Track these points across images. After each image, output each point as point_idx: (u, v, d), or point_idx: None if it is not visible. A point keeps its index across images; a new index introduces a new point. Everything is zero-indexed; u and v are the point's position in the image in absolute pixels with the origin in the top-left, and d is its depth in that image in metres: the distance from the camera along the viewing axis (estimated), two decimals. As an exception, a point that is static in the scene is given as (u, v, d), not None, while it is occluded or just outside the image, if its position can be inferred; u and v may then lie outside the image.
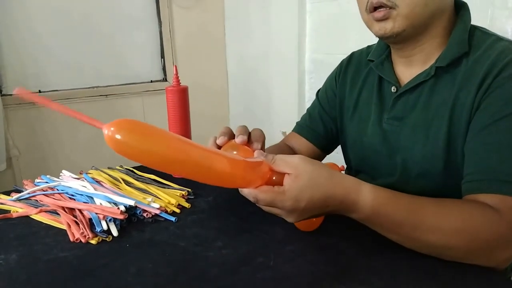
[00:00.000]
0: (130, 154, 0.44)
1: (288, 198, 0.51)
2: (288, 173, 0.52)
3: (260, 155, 0.55)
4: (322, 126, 0.87)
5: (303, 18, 1.79)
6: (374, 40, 0.75)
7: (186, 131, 0.89)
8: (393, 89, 0.71)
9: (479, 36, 0.65)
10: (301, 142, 0.88)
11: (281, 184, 0.52)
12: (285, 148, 0.87)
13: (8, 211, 0.73)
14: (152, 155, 0.45)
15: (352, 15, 1.58)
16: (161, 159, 0.45)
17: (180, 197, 0.76)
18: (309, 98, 1.86)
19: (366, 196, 0.54)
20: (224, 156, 0.51)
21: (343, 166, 0.73)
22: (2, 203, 0.75)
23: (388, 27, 0.63)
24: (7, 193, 0.79)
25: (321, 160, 0.90)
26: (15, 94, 0.41)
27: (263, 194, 0.51)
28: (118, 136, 0.43)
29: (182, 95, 0.86)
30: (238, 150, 0.60)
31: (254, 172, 0.52)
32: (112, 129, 0.43)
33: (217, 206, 0.74)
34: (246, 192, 0.52)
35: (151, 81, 2.17)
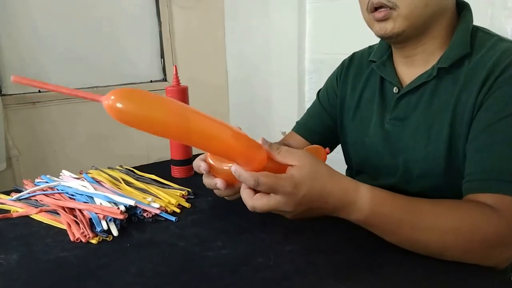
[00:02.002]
0: (130, 121, 0.43)
1: (289, 184, 0.50)
2: (291, 165, 0.52)
3: (265, 143, 0.54)
4: (321, 126, 0.87)
5: (303, 18, 1.79)
6: (374, 40, 0.75)
7: (186, 131, 0.89)
8: (395, 89, 0.71)
9: (481, 37, 0.65)
10: (299, 141, 0.88)
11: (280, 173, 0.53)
12: None
13: (8, 211, 0.73)
14: (152, 121, 0.44)
15: (352, 15, 1.58)
16: (162, 125, 0.45)
17: (180, 197, 0.76)
18: (309, 98, 1.86)
19: (364, 196, 0.54)
20: (228, 127, 0.50)
21: (328, 149, 0.71)
22: (2, 203, 0.75)
23: (388, 27, 0.63)
24: (7, 193, 0.79)
25: None
26: (12, 81, 0.41)
27: (265, 178, 0.50)
28: (118, 105, 0.42)
29: (182, 95, 0.86)
30: None
31: (255, 153, 0.52)
32: (112, 97, 0.42)
33: (217, 206, 0.74)
34: (246, 176, 0.51)
35: (151, 81, 2.17)
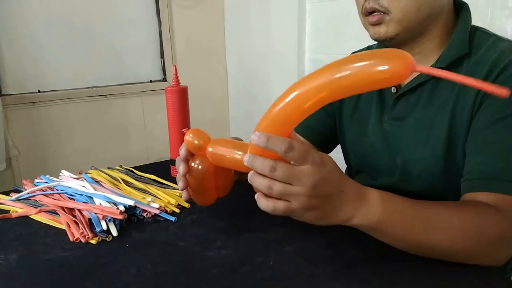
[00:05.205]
0: None
1: (318, 155, 0.48)
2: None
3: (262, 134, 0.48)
4: (320, 125, 0.87)
5: (303, 18, 1.79)
6: (374, 41, 0.75)
7: (186, 131, 0.89)
8: (393, 89, 0.71)
9: (479, 37, 0.65)
10: (298, 140, 0.88)
11: None
12: None
13: (7, 211, 0.73)
14: None
15: (351, 15, 1.58)
16: None
17: (180, 197, 0.76)
18: (309, 98, 1.85)
19: (374, 194, 0.52)
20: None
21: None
22: (1, 203, 0.75)
23: (382, 31, 0.64)
24: (7, 193, 0.79)
25: None
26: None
27: (298, 143, 0.47)
28: None
29: (181, 95, 0.86)
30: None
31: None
32: None
33: (217, 206, 0.74)
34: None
35: (151, 81, 2.17)
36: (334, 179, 0.49)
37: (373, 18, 0.64)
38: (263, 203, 0.50)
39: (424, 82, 0.67)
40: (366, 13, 0.65)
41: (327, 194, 0.49)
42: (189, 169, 0.62)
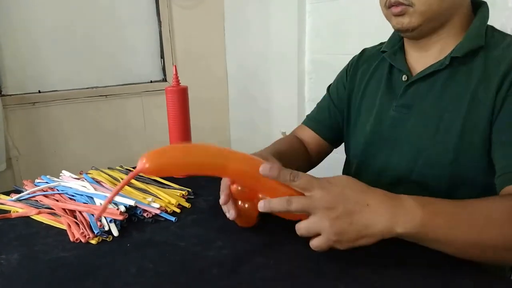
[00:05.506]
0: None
1: (324, 180, 0.51)
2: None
3: (273, 167, 0.51)
4: (329, 119, 0.88)
5: (302, 19, 1.79)
6: (374, 41, 0.75)
7: (186, 130, 0.89)
8: (404, 77, 0.72)
9: (496, 36, 0.66)
10: (308, 134, 0.89)
11: None
12: (294, 140, 0.89)
13: (8, 212, 0.73)
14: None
15: (352, 15, 1.59)
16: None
17: (180, 197, 0.76)
18: (309, 98, 1.86)
19: (409, 199, 0.51)
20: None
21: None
22: (2, 204, 0.75)
23: (405, 21, 0.66)
24: (7, 194, 0.79)
25: (328, 153, 0.92)
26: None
27: (303, 173, 0.51)
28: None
29: (181, 95, 0.86)
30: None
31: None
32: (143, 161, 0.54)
33: (217, 206, 0.74)
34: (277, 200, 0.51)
35: (151, 81, 2.17)
36: (351, 196, 0.50)
37: (397, 9, 0.65)
38: (311, 245, 0.53)
39: (438, 71, 0.67)
40: (390, 5, 0.66)
41: (348, 212, 0.49)
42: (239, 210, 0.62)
